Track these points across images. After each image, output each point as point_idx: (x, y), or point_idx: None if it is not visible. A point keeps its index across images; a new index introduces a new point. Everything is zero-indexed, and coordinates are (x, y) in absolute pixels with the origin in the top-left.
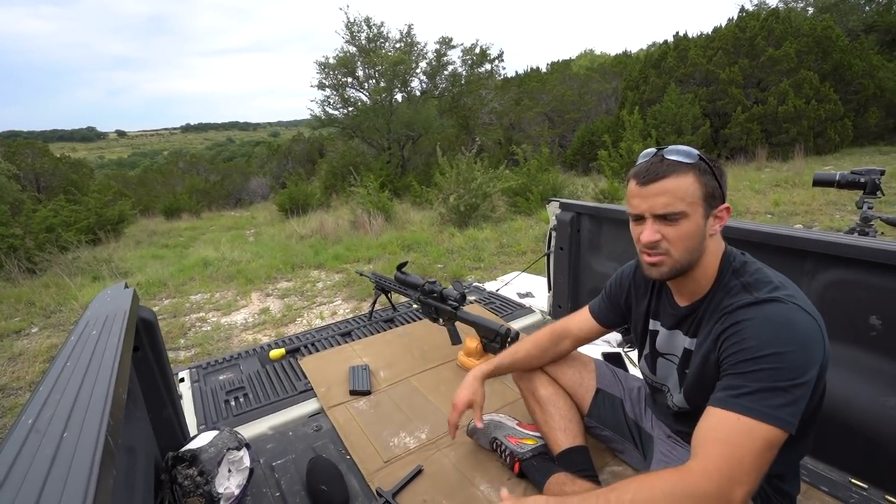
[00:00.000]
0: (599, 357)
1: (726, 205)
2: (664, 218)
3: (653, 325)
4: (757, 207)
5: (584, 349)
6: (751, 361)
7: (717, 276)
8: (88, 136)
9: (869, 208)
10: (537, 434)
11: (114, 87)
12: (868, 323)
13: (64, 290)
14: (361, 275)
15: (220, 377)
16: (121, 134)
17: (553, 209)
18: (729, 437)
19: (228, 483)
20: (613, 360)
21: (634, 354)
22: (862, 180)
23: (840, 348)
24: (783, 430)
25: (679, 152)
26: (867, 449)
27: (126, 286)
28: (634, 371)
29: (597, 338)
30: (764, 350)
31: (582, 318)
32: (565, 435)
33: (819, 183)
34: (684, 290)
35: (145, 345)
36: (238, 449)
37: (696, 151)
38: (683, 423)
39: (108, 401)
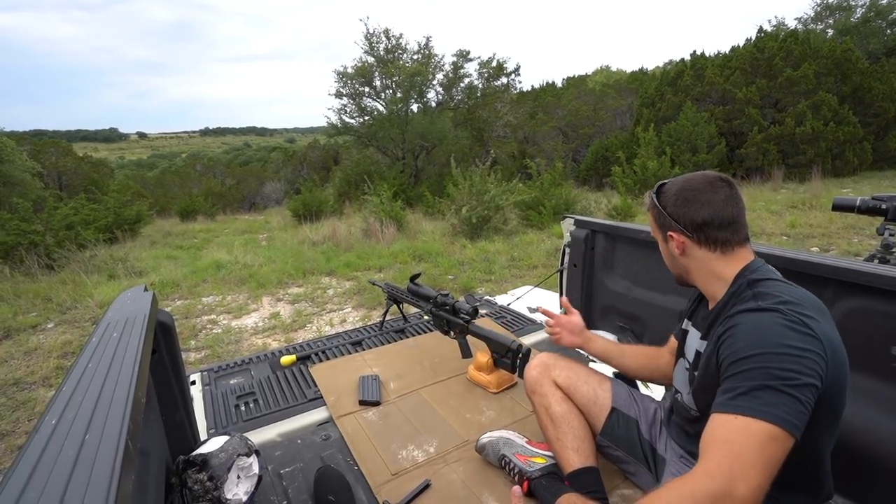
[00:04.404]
0: (611, 375)
1: (670, 232)
2: None
3: (685, 324)
4: (773, 229)
5: (597, 367)
6: (740, 362)
7: (731, 284)
8: (111, 136)
9: (890, 235)
10: (547, 453)
11: (137, 90)
12: (889, 353)
13: (80, 288)
14: (374, 284)
15: (231, 381)
16: (142, 135)
17: (567, 225)
18: (728, 436)
19: (237, 489)
20: (626, 377)
21: None
22: (884, 206)
23: (860, 379)
24: (783, 429)
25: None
26: (888, 483)
27: (146, 289)
28: (647, 391)
29: None
30: (750, 350)
31: (671, 339)
32: (577, 455)
33: (839, 208)
34: (705, 295)
35: (162, 348)
36: (248, 455)
37: (652, 191)
38: (696, 442)
39: (129, 404)
